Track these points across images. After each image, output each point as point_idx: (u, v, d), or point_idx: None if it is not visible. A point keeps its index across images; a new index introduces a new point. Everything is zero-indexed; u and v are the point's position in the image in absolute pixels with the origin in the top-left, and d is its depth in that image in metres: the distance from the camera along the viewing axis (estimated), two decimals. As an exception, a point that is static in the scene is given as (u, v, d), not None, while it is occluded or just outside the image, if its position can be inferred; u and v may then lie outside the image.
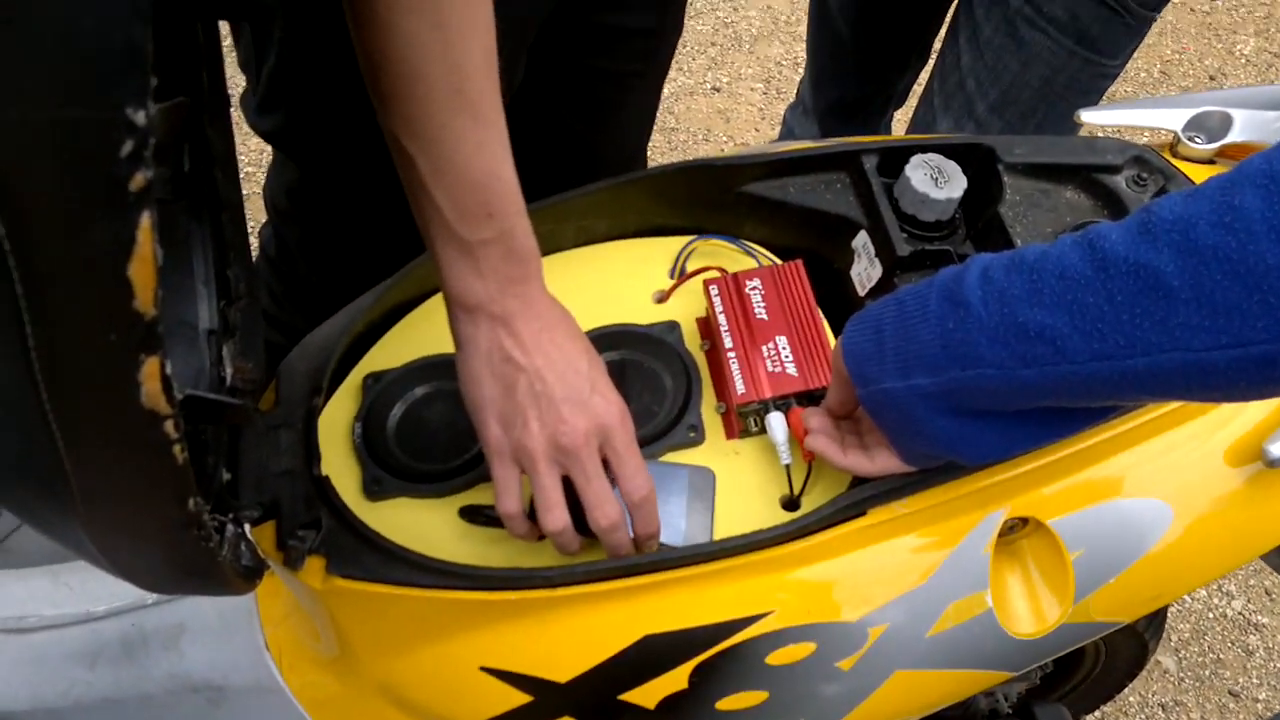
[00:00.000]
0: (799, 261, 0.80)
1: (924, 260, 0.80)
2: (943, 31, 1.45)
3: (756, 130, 2.35)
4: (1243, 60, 2.67)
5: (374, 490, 0.72)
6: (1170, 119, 0.91)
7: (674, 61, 1.31)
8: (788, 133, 1.88)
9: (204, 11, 0.61)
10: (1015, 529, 0.74)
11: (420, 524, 0.71)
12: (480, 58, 0.59)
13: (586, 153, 1.15)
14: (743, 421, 0.75)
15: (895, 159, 0.83)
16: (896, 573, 0.69)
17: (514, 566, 0.67)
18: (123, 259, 0.34)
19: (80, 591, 0.78)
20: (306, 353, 0.77)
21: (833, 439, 0.69)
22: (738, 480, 0.73)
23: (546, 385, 0.62)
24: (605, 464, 0.64)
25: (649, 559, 0.66)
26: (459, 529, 0.71)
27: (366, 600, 0.66)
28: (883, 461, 0.66)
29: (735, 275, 0.80)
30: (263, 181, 2.07)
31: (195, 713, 0.78)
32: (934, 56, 1.47)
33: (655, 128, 1.30)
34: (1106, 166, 0.84)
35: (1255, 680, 1.67)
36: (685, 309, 0.82)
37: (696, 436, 0.75)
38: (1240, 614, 1.74)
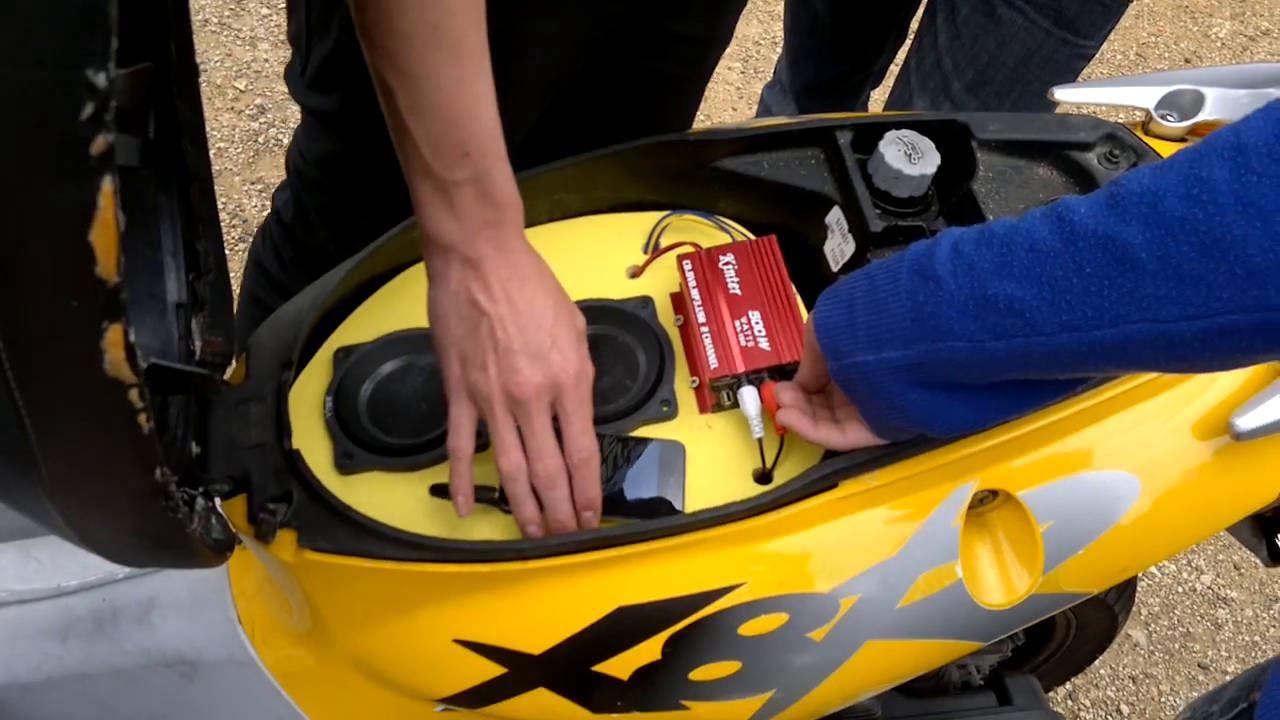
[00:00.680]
0: (773, 237, 0.80)
1: (897, 236, 0.80)
2: (920, 11, 1.45)
3: (734, 109, 2.34)
4: (1218, 43, 2.69)
5: (345, 464, 0.72)
6: (1143, 97, 0.92)
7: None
8: (765, 111, 1.88)
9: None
10: (985, 501, 0.75)
11: (392, 498, 0.71)
12: None
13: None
14: (715, 396, 0.75)
15: (869, 135, 0.83)
16: (868, 544, 0.70)
17: (486, 540, 0.67)
18: (84, 224, 0.34)
19: (50, 566, 0.77)
20: (277, 327, 0.77)
21: (804, 413, 0.69)
22: (711, 454, 0.73)
23: (507, 334, 0.63)
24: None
25: (622, 531, 0.66)
26: (430, 503, 0.71)
27: (338, 573, 0.66)
28: (854, 435, 0.67)
29: (709, 250, 0.80)
30: (234, 158, 2.06)
31: (167, 687, 0.78)
32: (911, 36, 1.48)
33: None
34: (1079, 144, 0.85)
35: (1224, 653, 1.70)
36: (659, 284, 0.82)
37: (669, 411, 0.75)
38: (1209, 588, 1.76)
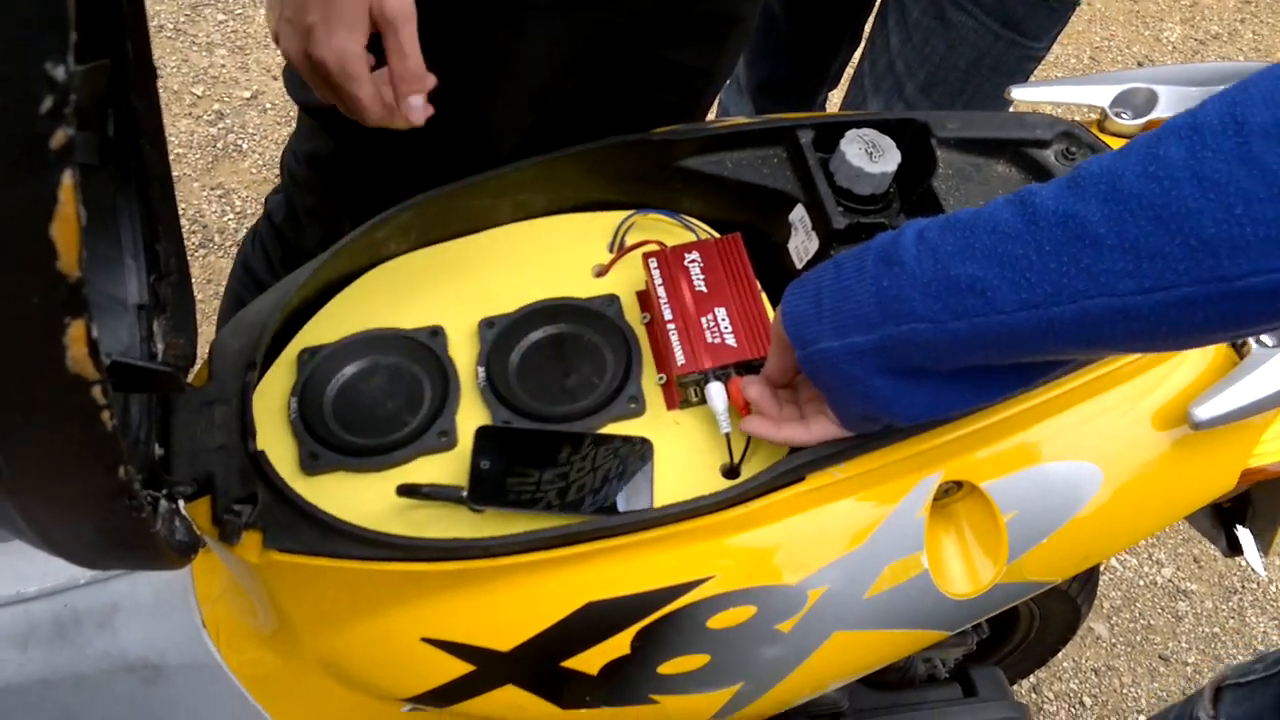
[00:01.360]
0: (738, 234, 0.81)
1: (859, 233, 0.81)
2: (872, 15, 1.46)
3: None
4: (1169, 47, 2.74)
5: (310, 465, 0.71)
6: (1098, 95, 0.93)
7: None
8: (724, 112, 1.89)
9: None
10: (950, 492, 0.76)
11: (357, 498, 0.70)
12: None
13: None
14: (683, 392, 0.75)
15: (831, 134, 0.84)
16: (835, 536, 0.71)
17: (454, 538, 0.67)
18: (44, 218, 0.34)
19: (10, 572, 0.76)
20: (240, 329, 0.76)
21: (768, 414, 0.69)
22: (679, 450, 0.73)
23: None
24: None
25: (590, 527, 0.66)
26: (396, 502, 0.70)
27: (304, 574, 0.66)
28: (819, 429, 0.67)
29: (674, 248, 0.80)
30: (192, 163, 2.04)
31: (131, 692, 0.77)
32: (865, 40, 1.49)
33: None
34: (1036, 141, 0.86)
35: (1185, 645, 1.73)
36: (625, 283, 0.82)
37: (637, 408, 0.75)
38: (1170, 581, 1.79)
